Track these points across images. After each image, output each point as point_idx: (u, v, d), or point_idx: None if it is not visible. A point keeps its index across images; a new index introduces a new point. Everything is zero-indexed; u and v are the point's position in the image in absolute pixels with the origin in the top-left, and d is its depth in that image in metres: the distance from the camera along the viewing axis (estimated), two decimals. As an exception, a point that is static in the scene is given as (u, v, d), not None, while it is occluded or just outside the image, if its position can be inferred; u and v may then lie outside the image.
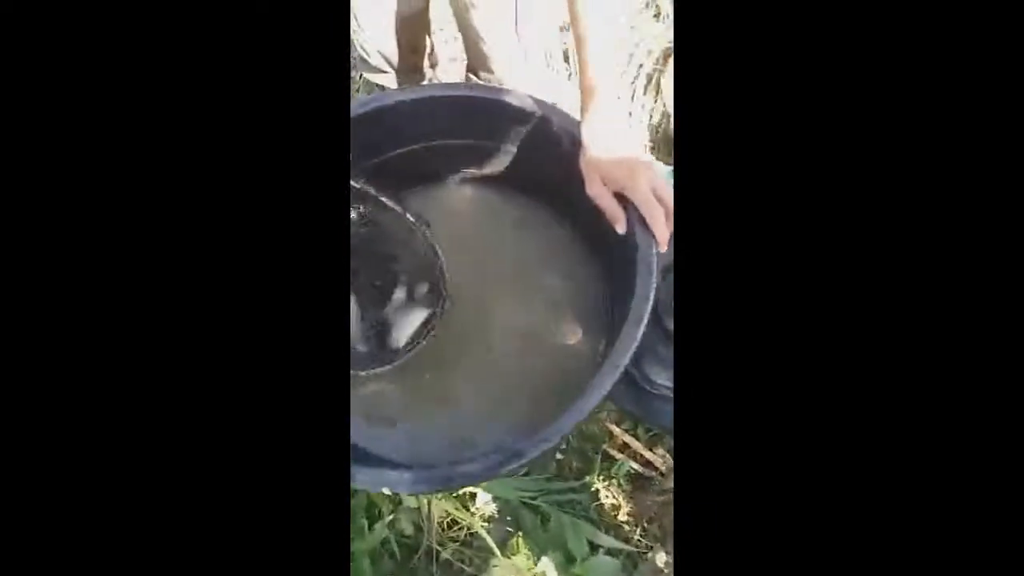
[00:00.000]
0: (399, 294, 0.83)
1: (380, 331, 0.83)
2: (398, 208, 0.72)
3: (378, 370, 0.77)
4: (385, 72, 1.20)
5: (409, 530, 0.91)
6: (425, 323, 0.79)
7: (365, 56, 1.17)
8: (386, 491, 0.65)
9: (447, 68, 1.32)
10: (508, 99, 0.83)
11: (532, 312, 0.89)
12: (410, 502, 0.93)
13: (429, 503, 0.92)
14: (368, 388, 0.83)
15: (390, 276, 0.84)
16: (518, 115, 0.84)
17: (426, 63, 1.22)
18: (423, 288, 0.82)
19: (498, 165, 0.93)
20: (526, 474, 0.93)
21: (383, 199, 0.71)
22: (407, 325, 0.80)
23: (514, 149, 0.92)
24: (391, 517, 0.91)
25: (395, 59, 1.17)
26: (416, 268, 0.82)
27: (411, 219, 0.73)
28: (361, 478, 0.63)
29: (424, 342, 0.78)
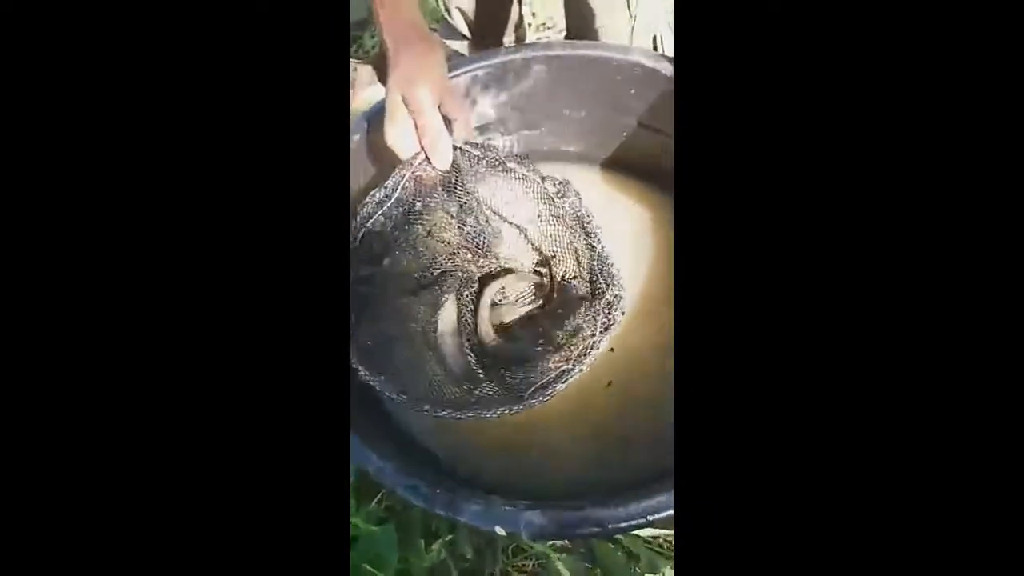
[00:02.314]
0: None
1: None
2: (535, 175, 0.58)
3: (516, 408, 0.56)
4: (464, 39, 1.09)
5: (469, 554, 0.79)
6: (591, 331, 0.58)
7: (447, 16, 1.05)
8: (500, 531, 0.54)
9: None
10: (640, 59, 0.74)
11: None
12: (469, 521, 0.81)
13: (491, 525, 0.80)
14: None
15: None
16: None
17: (510, 36, 1.11)
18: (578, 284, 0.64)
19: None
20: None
21: (512, 165, 0.59)
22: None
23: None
24: (449, 537, 0.79)
25: (476, 24, 1.06)
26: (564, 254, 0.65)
27: (554, 186, 0.58)
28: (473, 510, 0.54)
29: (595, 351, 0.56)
